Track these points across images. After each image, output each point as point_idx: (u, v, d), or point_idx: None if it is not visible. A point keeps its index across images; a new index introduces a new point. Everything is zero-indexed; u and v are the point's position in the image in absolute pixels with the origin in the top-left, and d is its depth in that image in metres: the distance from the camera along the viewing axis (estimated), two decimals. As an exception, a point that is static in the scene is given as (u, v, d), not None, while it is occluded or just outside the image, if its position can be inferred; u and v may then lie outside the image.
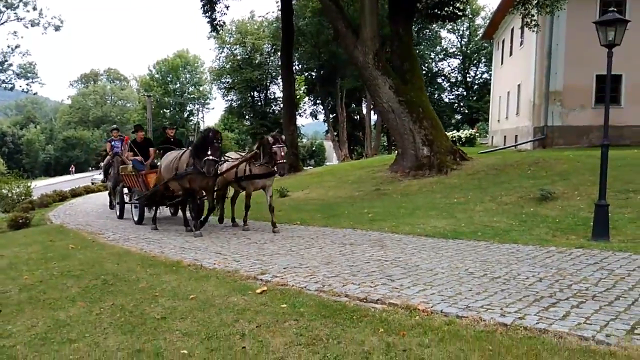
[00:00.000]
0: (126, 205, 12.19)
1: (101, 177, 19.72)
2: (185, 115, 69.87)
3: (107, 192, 15.23)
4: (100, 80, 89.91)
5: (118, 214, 12.39)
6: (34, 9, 28.14)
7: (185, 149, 9.65)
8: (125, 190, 12.25)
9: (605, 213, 7.23)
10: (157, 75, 68.21)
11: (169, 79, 68.60)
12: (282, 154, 8.81)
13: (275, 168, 8.94)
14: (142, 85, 71.16)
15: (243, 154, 10.06)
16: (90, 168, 73.37)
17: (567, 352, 3.34)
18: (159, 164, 11.17)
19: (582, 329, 3.69)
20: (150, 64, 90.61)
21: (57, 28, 28.56)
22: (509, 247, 6.90)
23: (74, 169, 70.71)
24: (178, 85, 69.49)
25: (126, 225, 10.71)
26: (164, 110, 66.40)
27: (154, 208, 10.58)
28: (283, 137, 9.23)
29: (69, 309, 4.87)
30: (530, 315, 4.03)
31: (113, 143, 14.06)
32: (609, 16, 7.20)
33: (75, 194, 20.42)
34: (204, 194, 9.62)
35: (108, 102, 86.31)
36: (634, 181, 10.27)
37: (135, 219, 10.92)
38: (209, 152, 8.28)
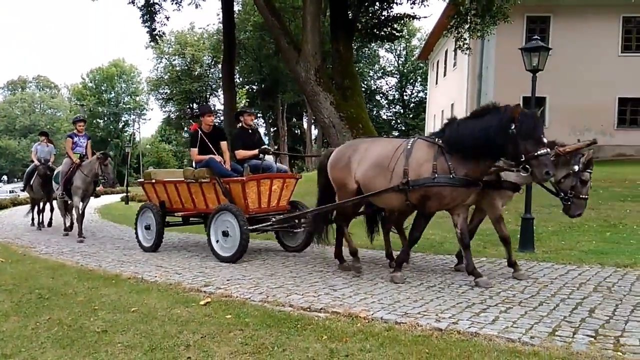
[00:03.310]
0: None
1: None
2: (120, 126, 67.88)
3: (57, 204, 11.90)
4: (28, 87, 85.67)
5: (151, 244, 8.25)
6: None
7: (398, 139, 6.26)
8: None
9: (531, 226, 7.71)
10: (90, 84, 65.96)
11: (103, 88, 66.44)
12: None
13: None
14: (75, 94, 68.61)
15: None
16: (16, 179, 68.67)
17: (496, 352, 3.59)
18: (275, 163, 8.43)
19: (510, 332, 3.97)
20: (83, 72, 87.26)
21: (-18, 31, 26.98)
22: (443, 258, 7.26)
23: (6, 179, 58.30)
24: (113, 94, 67.40)
25: (59, 239, 10.31)
26: (98, 120, 64.26)
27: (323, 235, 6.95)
28: None
29: (1, 324, 4.68)
30: (463, 320, 4.29)
31: (76, 139, 10.59)
32: (533, 43, 7.74)
33: (0, 206, 19.39)
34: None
35: (37, 110, 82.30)
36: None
37: (227, 254, 7.18)
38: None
